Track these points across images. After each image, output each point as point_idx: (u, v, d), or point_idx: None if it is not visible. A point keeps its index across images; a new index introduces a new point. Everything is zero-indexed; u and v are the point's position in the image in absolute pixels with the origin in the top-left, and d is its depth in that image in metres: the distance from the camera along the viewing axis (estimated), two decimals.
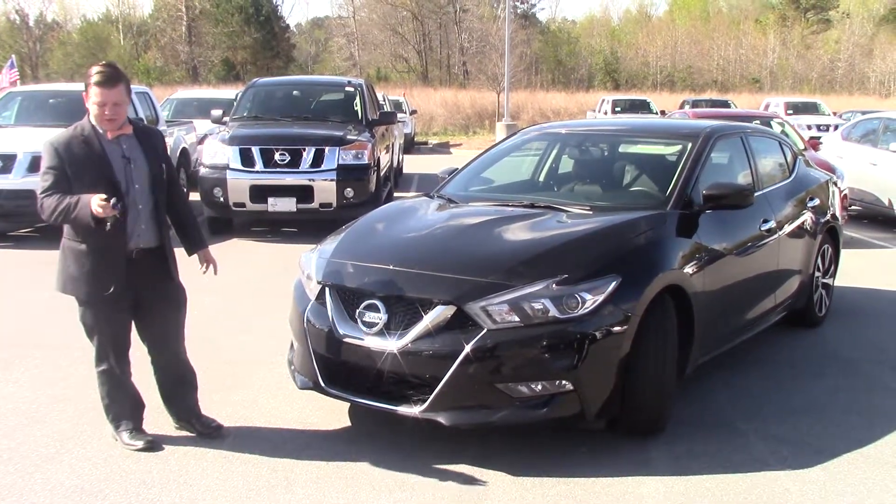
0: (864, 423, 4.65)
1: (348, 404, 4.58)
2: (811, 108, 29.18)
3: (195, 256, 4.38)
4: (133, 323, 4.20)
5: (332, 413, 4.65)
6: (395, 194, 14.06)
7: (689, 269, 4.53)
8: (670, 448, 4.27)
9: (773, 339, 6.14)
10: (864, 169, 12.05)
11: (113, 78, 3.94)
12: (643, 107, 31.31)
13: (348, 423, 4.56)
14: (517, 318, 3.93)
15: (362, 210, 10.42)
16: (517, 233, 4.60)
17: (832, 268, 6.86)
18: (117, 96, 3.94)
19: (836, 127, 25.15)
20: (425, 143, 30.82)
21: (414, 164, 20.67)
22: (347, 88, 12.37)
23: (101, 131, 3.98)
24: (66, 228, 4.02)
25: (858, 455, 4.23)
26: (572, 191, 5.52)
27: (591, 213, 4.87)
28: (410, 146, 25.87)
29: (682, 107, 31.96)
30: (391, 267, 4.28)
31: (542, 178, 5.92)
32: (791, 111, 27.48)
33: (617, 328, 4.01)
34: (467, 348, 3.87)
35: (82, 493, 3.75)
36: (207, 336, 5.71)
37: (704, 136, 5.39)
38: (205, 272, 4.40)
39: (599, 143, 5.97)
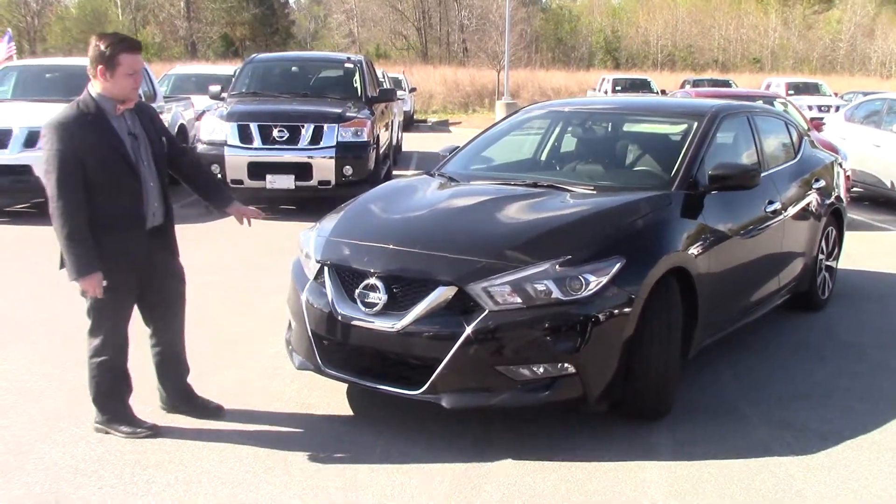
0: (869, 408, 4.59)
1: (346, 385, 4.52)
2: (812, 89, 29.00)
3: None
4: (139, 303, 4.10)
5: (329, 394, 4.59)
6: (395, 172, 13.97)
7: (693, 251, 4.46)
8: (673, 433, 4.21)
9: (775, 322, 6.08)
10: (866, 150, 11.95)
11: (139, 44, 3.84)
12: (644, 86, 31.13)
13: (346, 404, 4.50)
14: (519, 300, 3.86)
15: (361, 188, 10.36)
16: (520, 212, 4.52)
17: (836, 250, 6.79)
18: (142, 63, 3.85)
19: (838, 108, 25.04)
20: (424, 121, 30.63)
21: (413, 142, 20.54)
22: (347, 65, 12.23)
23: (105, 107, 3.78)
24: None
25: (864, 441, 4.17)
26: (575, 170, 5.42)
27: (594, 192, 4.79)
28: (409, 124, 25.72)
29: (682, 86, 31.78)
30: (391, 246, 4.20)
31: (544, 157, 5.82)
32: (792, 91, 27.30)
33: (620, 310, 3.94)
34: (468, 330, 3.81)
35: (77, 473, 3.69)
36: (203, 315, 5.63)
37: (710, 115, 5.30)
38: (243, 224, 4.36)
39: (603, 122, 5.88)
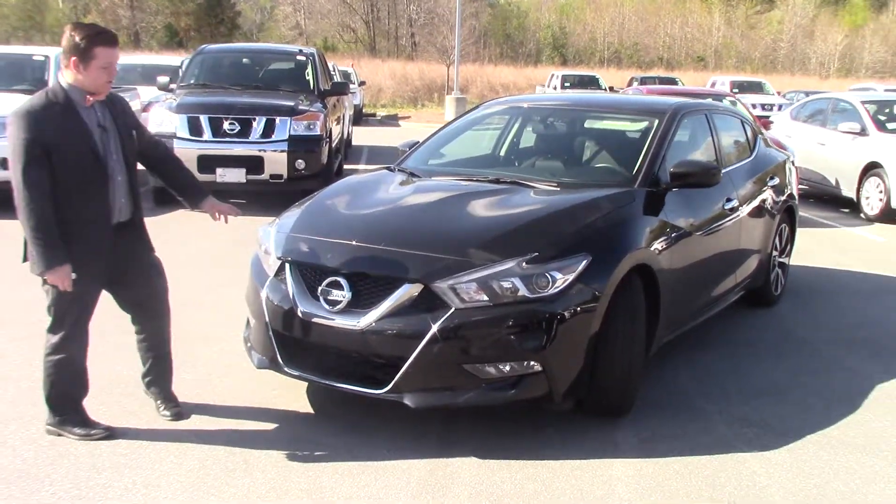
0: (824, 404, 4.66)
1: (306, 383, 4.43)
2: (756, 88, 29.51)
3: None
4: (118, 299, 4.02)
5: (288, 392, 4.50)
6: (346, 167, 13.86)
7: (656, 248, 4.46)
8: (636, 430, 4.21)
9: (731, 318, 6.14)
10: (812, 149, 12.19)
11: (116, 37, 3.73)
12: (592, 83, 31.31)
13: (306, 403, 4.42)
14: (486, 298, 3.81)
15: (313, 182, 10.29)
16: (485, 209, 4.48)
17: (788, 247, 6.89)
18: (117, 56, 3.72)
19: (781, 107, 25.55)
20: (373, 115, 30.46)
21: (363, 136, 20.40)
22: (299, 57, 12.06)
23: (74, 98, 3.67)
24: None
25: (822, 437, 4.22)
26: (537, 167, 5.40)
27: (558, 189, 4.77)
28: (359, 118, 25.53)
29: (630, 84, 32.08)
30: (355, 243, 4.12)
31: (506, 153, 5.79)
32: (737, 90, 27.69)
33: (587, 308, 3.93)
34: (434, 328, 3.75)
35: (27, 477, 3.55)
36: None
37: (671, 112, 5.32)
38: (218, 220, 4.21)
39: (564, 119, 5.86)
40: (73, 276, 3.63)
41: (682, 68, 57.22)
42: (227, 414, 4.26)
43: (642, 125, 5.39)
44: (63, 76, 3.69)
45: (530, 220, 4.28)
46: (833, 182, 11.86)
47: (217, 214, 4.20)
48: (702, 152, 5.59)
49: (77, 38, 3.61)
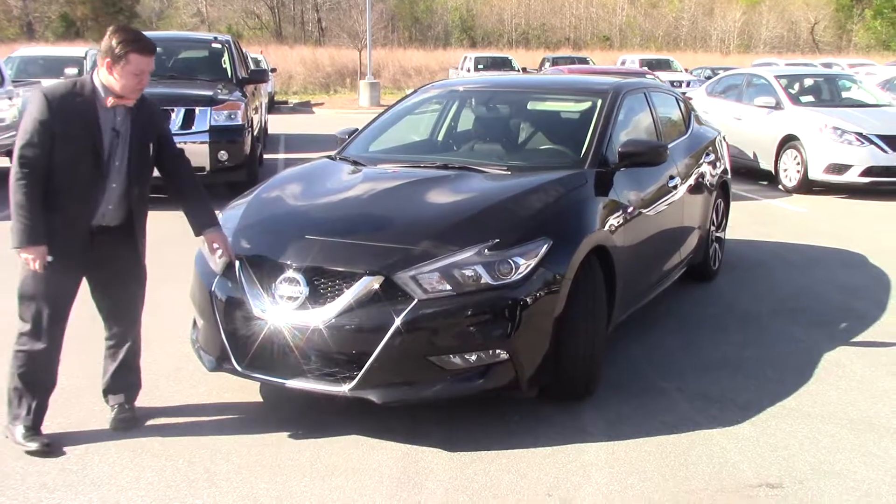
0: (777, 376, 4.72)
1: (259, 383, 4.26)
2: (664, 65, 30.14)
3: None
4: (94, 298, 3.91)
5: (242, 393, 4.32)
6: (266, 156, 13.55)
7: (610, 229, 4.44)
8: (600, 413, 4.18)
9: (674, 294, 6.19)
10: (729, 123, 12.40)
11: (153, 47, 3.64)
12: (505, 64, 31.47)
13: (262, 404, 4.25)
14: (449, 287, 3.71)
15: (237, 174, 10.00)
16: (439, 196, 4.37)
17: (724, 222, 6.99)
18: (151, 66, 3.63)
19: (689, 83, 26.14)
20: (285, 103, 29.90)
21: (278, 125, 19.96)
22: (214, 45, 11.67)
23: (101, 95, 3.62)
24: None
25: (781, 409, 4.27)
26: (484, 151, 5.30)
27: (508, 173, 4.70)
28: (271, 106, 25.01)
29: (542, 64, 32.36)
30: (309, 236, 3.96)
31: (450, 138, 5.67)
32: (646, 67, 28.22)
33: (550, 292, 3.87)
34: (397, 321, 3.63)
35: None
36: (88, 314, 5.21)
37: (613, 92, 5.29)
38: (219, 258, 4.01)
39: (506, 101, 5.77)
40: (49, 259, 3.57)
41: (588, 48, 58.03)
42: (180, 421, 4.06)
43: (585, 105, 5.35)
44: (98, 73, 3.66)
45: (487, 205, 4.18)
46: (751, 155, 12.14)
47: (214, 248, 3.98)
48: (644, 131, 5.59)
49: (114, 42, 3.57)
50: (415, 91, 6.09)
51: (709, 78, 25.52)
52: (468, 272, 3.74)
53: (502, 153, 5.23)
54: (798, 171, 11.17)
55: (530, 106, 5.73)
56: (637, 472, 3.60)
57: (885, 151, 10.63)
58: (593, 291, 4.15)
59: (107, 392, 4.04)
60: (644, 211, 4.94)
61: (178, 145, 9.61)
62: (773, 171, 11.63)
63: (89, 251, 3.71)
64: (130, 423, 3.96)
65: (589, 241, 4.15)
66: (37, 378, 3.73)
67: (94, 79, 3.65)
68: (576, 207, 4.36)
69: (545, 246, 3.89)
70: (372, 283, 3.72)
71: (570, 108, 5.65)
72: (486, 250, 3.80)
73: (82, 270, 3.77)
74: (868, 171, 10.68)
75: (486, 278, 3.74)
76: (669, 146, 5.71)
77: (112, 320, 3.96)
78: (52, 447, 3.71)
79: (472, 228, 3.95)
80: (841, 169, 10.80)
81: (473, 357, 3.74)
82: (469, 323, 3.72)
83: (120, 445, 3.78)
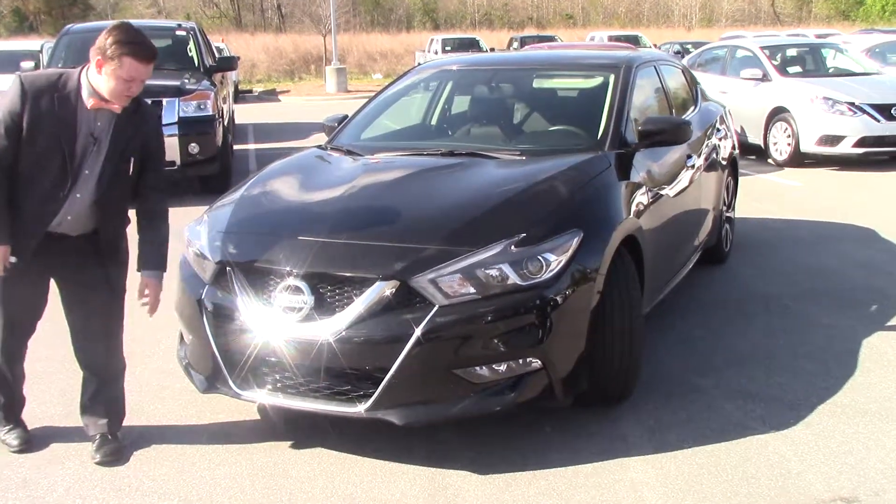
0: (821, 368, 4.34)
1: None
2: (633, 41, 29.73)
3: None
4: (65, 315, 3.52)
5: (237, 413, 3.88)
6: (235, 147, 12.99)
7: (637, 215, 4.03)
8: (638, 418, 3.79)
9: (688, 280, 5.80)
10: (713, 97, 12.08)
11: (154, 53, 3.19)
12: (473, 45, 30.96)
13: (262, 425, 3.79)
14: (472, 290, 3.28)
15: (209, 167, 9.47)
16: (452, 186, 3.93)
17: (733, 201, 6.63)
18: (148, 74, 3.17)
19: None
20: (250, 92, 29.18)
21: (244, 114, 19.28)
22: (178, 32, 11.09)
23: (83, 94, 3.21)
24: None
25: (833, 406, 3.90)
26: (491, 134, 4.85)
27: (523, 159, 4.26)
28: (236, 95, 24.33)
29: (510, 44, 31.91)
30: (311, 238, 3.51)
31: (452, 122, 5.18)
32: (623, 42, 27.90)
33: (584, 290, 3.46)
34: (417, 331, 3.20)
35: None
36: (60, 329, 4.73)
37: (626, 65, 4.86)
38: (142, 304, 3.49)
39: (511, 80, 5.31)
40: (13, 260, 3.26)
41: (553, 27, 57.50)
42: (170, 447, 3.61)
43: (598, 81, 4.91)
44: (88, 69, 3.26)
45: (508, 196, 3.74)
46: (738, 129, 11.78)
47: (144, 293, 3.47)
48: (657, 107, 5.18)
49: (108, 40, 3.16)
50: (407, 72, 5.61)
51: (677, 52, 25.26)
52: (493, 272, 3.31)
53: (511, 136, 4.78)
54: (789, 145, 10.85)
55: (536, 84, 5.26)
56: (694, 492, 3.20)
57: (878, 121, 10.35)
58: (628, 283, 3.74)
59: (83, 412, 3.62)
60: (665, 194, 4.55)
61: None
62: (763, 145, 11.31)
63: (46, 256, 3.30)
64: (117, 455, 3.50)
65: (620, 231, 3.74)
66: None
67: (80, 75, 3.25)
68: (604, 194, 3.93)
69: (576, 239, 3.47)
70: (385, 288, 3.28)
71: (581, 84, 5.19)
72: (512, 247, 3.37)
73: (43, 277, 3.40)
74: (861, 142, 10.40)
75: (513, 278, 3.32)
76: None
77: (77, 335, 3.53)
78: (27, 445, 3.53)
79: (495, 222, 3.52)
80: (834, 140, 10.50)
81: (503, 367, 3.32)
82: (497, 329, 3.29)
83: (106, 481, 3.32)
